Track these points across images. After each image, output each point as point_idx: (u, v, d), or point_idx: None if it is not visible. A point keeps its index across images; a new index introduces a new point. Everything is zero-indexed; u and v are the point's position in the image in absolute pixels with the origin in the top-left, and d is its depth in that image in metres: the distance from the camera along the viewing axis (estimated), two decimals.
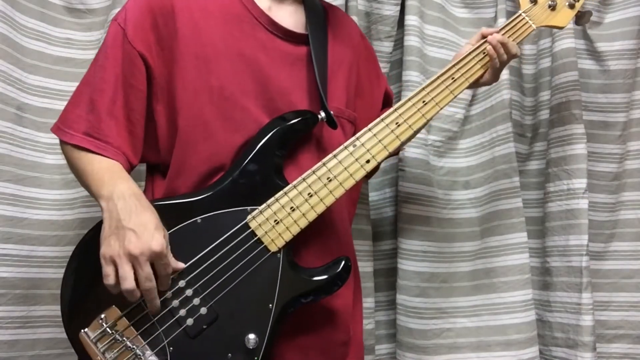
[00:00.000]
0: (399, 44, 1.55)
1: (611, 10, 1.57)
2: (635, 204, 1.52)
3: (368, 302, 1.41)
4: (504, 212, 1.46)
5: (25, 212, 1.32)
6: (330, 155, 0.99)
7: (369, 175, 1.32)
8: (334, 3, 1.44)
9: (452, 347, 1.44)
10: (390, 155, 1.06)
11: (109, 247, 0.88)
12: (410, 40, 1.48)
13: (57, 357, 1.32)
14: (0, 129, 1.30)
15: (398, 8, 1.53)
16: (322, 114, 1.02)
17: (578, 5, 1.22)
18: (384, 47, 1.53)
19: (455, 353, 1.44)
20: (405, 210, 1.47)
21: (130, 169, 1.00)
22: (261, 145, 0.98)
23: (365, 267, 1.42)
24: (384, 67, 1.50)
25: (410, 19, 1.49)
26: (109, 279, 0.88)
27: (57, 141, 1.39)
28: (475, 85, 1.16)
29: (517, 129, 1.55)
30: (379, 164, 1.30)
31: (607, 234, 1.53)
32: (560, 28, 1.25)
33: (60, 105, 1.36)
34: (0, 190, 1.29)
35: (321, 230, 1.02)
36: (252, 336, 0.92)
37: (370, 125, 1.02)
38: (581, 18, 1.25)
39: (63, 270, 1.30)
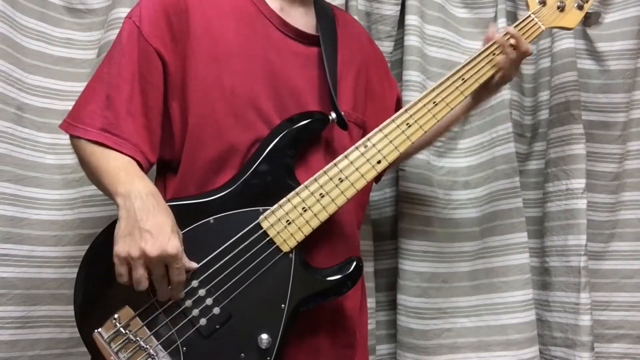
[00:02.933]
0: (399, 43, 1.55)
1: (611, 10, 1.57)
2: (635, 204, 1.52)
3: (369, 302, 1.40)
4: (504, 212, 1.46)
5: (25, 212, 1.31)
6: (341, 156, 0.99)
7: (377, 179, 1.32)
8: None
9: (453, 347, 1.44)
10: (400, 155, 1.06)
11: (124, 246, 0.87)
12: (411, 40, 1.49)
13: (57, 357, 1.32)
14: (0, 129, 1.29)
15: (398, 8, 1.53)
16: (333, 115, 1.03)
17: (587, 7, 1.23)
18: (384, 47, 1.53)
19: (456, 353, 1.44)
20: (405, 210, 1.47)
21: (148, 166, 1.00)
22: (273, 146, 0.98)
23: (366, 267, 1.40)
24: None
25: (411, 19, 1.49)
26: (122, 279, 0.88)
27: (58, 141, 1.39)
28: (489, 88, 1.16)
29: (516, 129, 1.56)
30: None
31: (607, 234, 1.53)
32: (570, 29, 1.25)
33: (61, 105, 1.37)
34: (0, 190, 1.28)
35: (330, 232, 1.02)
36: (265, 336, 0.92)
37: (381, 126, 1.02)
38: (589, 19, 1.26)
39: (63, 270, 1.32)
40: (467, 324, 1.45)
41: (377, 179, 1.32)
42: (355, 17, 1.46)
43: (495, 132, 1.50)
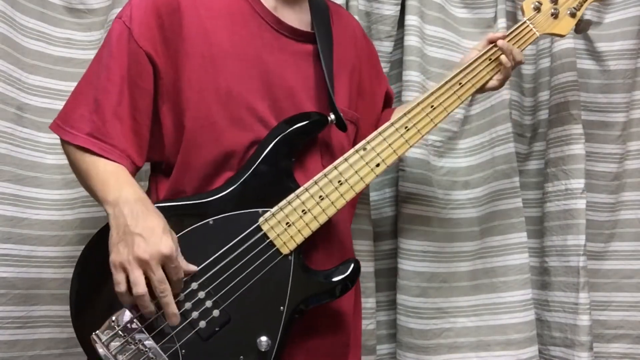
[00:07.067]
0: (399, 43, 1.55)
1: (611, 10, 1.57)
2: (635, 204, 1.52)
3: (369, 302, 1.41)
4: (503, 212, 1.46)
5: (25, 212, 1.32)
6: (341, 159, 1.00)
7: None
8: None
9: (452, 347, 1.44)
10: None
11: (118, 253, 0.87)
12: (410, 40, 1.48)
13: (57, 357, 1.32)
14: (0, 129, 1.29)
15: (398, 8, 1.53)
16: (332, 116, 1.02)
17: (579, 14, 1.25)
18: (384, 47, 1.53)
19: (455, 353, 1.44)
20: (405, 210, 1.47)
21: (135, 170, 0.99)
22: (272, 147, 0.98)
23: (366, 267, 1.42)
24: (384, 67, 1.50)
25: (411, 19, 1.49)
26: (120, 286, 0.87)
27: (58, 141, 1.38)
28: (481, 90, 1.18)
29: (516, 129, 1.56)
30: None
31: (607, 234, 1.53)
32: (562, 36, 1.28)
33: (61, 105, 1.34)
34: (0, 190, 1.28)
35: (326, 233, 1.02)
36: (264, 338, 0.92)
37: (380, 129, 1.03)
38: (580, 26, 1.28)
39: (63, 270, 1.32)
40: (466, 323, 1.45)
41: None
42: (355, 17, 1.46)
43: (495, 132, 1.50)
